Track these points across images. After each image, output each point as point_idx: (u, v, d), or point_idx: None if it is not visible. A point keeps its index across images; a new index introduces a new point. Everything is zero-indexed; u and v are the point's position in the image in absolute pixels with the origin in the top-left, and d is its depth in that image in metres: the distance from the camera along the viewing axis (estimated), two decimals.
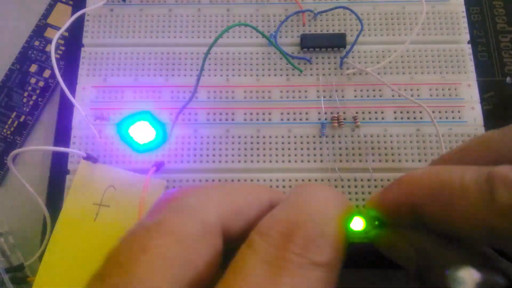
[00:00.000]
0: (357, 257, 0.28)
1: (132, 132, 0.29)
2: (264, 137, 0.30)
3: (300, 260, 0.13)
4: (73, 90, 0.31)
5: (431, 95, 0.31)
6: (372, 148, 0.30)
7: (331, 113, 0.30)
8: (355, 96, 0.31)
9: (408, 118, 0.30)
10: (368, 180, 0.29)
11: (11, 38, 0.35)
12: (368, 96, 0.31)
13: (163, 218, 0.14)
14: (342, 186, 0.29)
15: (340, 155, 0.30)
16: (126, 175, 0.29)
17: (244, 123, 0.30)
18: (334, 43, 0.31)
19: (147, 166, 0.29)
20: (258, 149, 0.30)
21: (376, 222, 0.17)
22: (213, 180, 0.29)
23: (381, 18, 0.32)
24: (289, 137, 0.30)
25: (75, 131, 0.30)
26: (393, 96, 0.31)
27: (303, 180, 0.29)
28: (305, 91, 0.31)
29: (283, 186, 0.29)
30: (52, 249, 0.27)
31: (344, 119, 0.30)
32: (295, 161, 0.30)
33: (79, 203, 0.28)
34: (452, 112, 0.30)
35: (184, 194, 0.15)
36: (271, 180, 0.29)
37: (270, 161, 0.30)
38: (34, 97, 0.33)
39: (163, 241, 0.13)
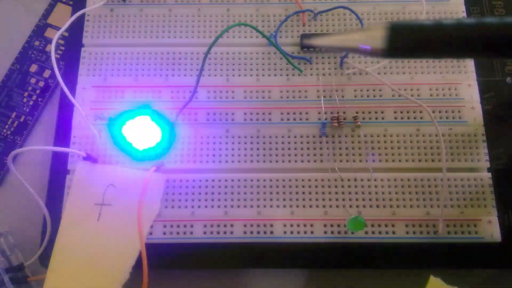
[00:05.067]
0: (350, 256, 0.28)
1: (128, 134, 0.28)
2: (264, 137, 0.30)
3: None
4: (73, 90, 0.31)
5: (431, 95, 0.31)
6: (372, 148, 0.30)
7: (331, 113, 0.30)
8: (355, 96, 0.31)
9: (408, 118, 0.30)
10: (368, 180, 0.29)
11: (11, 38, 0.35)
12: (368, 96, 0.31)
13: None
14: (342, 186, 0.29)
15: (340, 155, 0.30)
16: (125, 172, 0.29)
17: (244, 123, 0.30)
18: None
19: (147, 166, 0.29)
20: (258, 149, 0.30)
21: None
22: (213, 181, 0.29)
23: (381, 18, 0.32)
24: (289, 137, 0.30)
25: (75, 131, 0.30)
26: (393, 96, 0.31)
27: (303, 180, 0.29)
28: (305, 91, 0.31)
29: (283, 186, 0.29)
30: (58, 253, 0.27)
31: (344, 119, 0.30)
32: (295, 161, 0.30)
33: (81, 204, 0.28)
34: (452, 112, 0.30)
35: None
36: (271, 180, 0.29)
37: (270, 161, 0.30)
38: (34, 97, 0.33)
39: None
